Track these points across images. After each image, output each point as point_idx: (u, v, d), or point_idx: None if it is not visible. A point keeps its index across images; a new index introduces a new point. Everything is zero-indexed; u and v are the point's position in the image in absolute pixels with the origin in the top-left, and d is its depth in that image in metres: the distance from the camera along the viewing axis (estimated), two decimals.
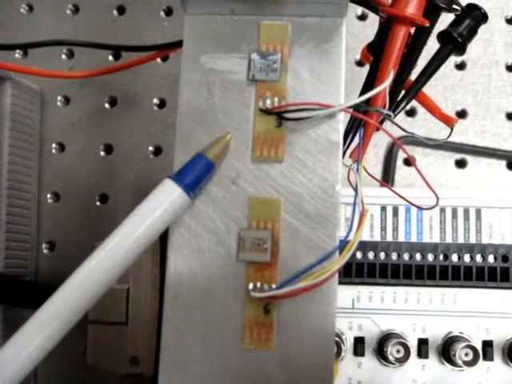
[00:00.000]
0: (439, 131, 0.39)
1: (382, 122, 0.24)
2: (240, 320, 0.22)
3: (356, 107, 0.22)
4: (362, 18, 0.41)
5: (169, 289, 0.22)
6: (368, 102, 0.23)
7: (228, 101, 0.23)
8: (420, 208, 0.24)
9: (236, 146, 0.23)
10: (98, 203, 0.40)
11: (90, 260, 0.21)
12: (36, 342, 0.20)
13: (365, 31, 0.41)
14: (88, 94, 0.42)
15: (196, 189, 0.22)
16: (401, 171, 0.39)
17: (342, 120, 0.23)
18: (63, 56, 0.42)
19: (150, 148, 0.41)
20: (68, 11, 0.43)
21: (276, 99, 0.23)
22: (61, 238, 0.40)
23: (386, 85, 0.23)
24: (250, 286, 0.22)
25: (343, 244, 0.22)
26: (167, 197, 0.21)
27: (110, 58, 0.42)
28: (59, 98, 0.42)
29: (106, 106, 0.42)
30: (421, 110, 0.40)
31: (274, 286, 0.22)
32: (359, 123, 0.24)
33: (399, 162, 0.40)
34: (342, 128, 0.23)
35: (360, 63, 0.40)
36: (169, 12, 0.43)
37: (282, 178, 0.22)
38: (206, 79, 0.23)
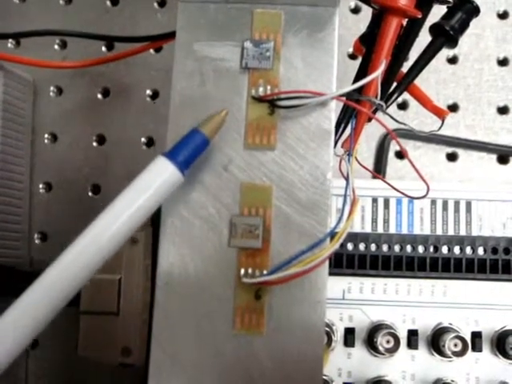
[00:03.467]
0: (431, 124, 0.39)
1: (373, 114, 0.25)
2: (231, 306, 0.22)
3: (348, 95, 0.23)
4: (355, 11, 0.42)
5: (160, 275, 0.22)
6: (360, 91, 0.24)
7: (221, 88, 0.23)
8: (411, 198, 0.25)
9: (228, 133, 0.23)
10: (90, 194, 0.40)
11: (83, 237, 0.21)
12: (24, 321, 0.20)
13: (358, 24, 0.41)
14: (81, 85, 0.42)
15: (190, 166, 0.22)
16: (392, 164, 0.40)
17: (334, 108, 0.23)
18: (56, 46, 0.42)
19: (143, 139, 0.41)
20: (61, 1, 0.43)
21: (269, 87, 0.23)
22: (53, 229, 0.40)
23: (378, 73, 0.23)
24: (242, 271, 0.22)
25: (334, 232, 0.22)
26: (160, 174, 0.21)
27: (103, 48, 0.42)
28: (52, 88, 0.42)
29: (99, 96, 0.42)
30: (412, 103, 0.40)
31: (265, 271, 0.22)
32: (351, 113, 0.24)
33: (391, 155, 0.40)
34: (333, 116, 0.23)
35: (352, 56, 0.41)
36: (162, 3, 0.42)
37: (274, 165, 0.23)
38: (199, 67, 0.23)
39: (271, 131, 0.23)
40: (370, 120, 0.25)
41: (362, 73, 0.25)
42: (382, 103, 0.24)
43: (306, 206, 0.22)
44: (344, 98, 0.23)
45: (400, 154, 0.40)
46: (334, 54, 0.23)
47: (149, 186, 0.21)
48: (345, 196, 0.22)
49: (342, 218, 0.22)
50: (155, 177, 0.21)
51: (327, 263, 0.22)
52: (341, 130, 0.25)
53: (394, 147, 0.40)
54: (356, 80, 0.25)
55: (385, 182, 0.27)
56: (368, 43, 0.25)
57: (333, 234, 0.22)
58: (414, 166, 0.24)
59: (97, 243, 0.21)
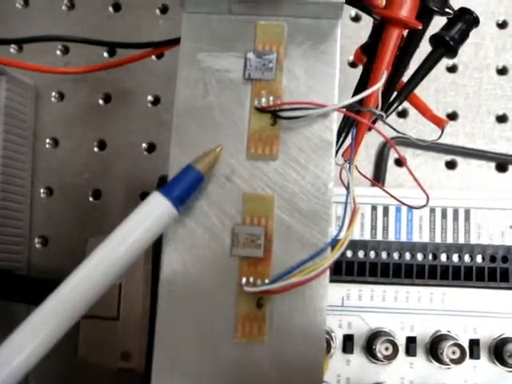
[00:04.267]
0: (430, 133, 0.40)
1: (374, 123, 0.25)
2: (233, 314, 0.22)
3: (349, 107, 0.23)
4: (356, 19, 0.42)
5: (163, 283, 0.22)
6: (361, 102, 0.24)
7: (224, 99, 0.23)
8: (411, 207, 0.25)
9: (231, 143, 0.23)
10: (91, 199, 0.41)
11: (77, 273, 0.21)
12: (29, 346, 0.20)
13: (358, 33, 0.41)
14: (82, 90, 0.42)
15: (185, 201, 0.22)
16: (391, 172, 0.40)
17: (336, 119, 0.23)
18: (58, 52, 0.42)
19: (144, 145, 0.41)
20: (64, 7, 0.43)
21: (271, 98, 0.23)
22: (53, 233, 0.40)
23: (379, 85, 0.23)
24: (243, 280, 0.22)
25: (335, 241, 0.22)
26: (155, 210, 0.21)
27: (105, 54, 0.42)
28: (53, 93, 0.42)
29: (100, 102, 0.42)
30: (412, 111, 0.40)
31: (266, 280, 0.22)
32: (352, 123, 0.24)
33: (390, 163, 0.40)
34: (335, 127, 0.23)
35: (353, 64, 0.41)
36: (164, 10, 0.43)
37: (276, 175, 0.23)
38: (202, 77, 0.23)
39: (273, 142, 0.23)
40: (370, 129, 0.25)
41: (362, 83, 0.25)
42: (383, 113, 0.24)
43: (308, 216, 0.22)
44: (345, 110, 0.23)
45: (399, 162, 0.40)
46: (336, 65, 0.23)
47: (144, 222, 0.21)
48: (345, 205, 0.23)
49: (342, 227, 0.22)
50: (150, 212, 0.22)
51: (328, 272, 0.22)
52: (341, 139, 0.25)
53: (393, 155, 0.40)
54: (357, 90, 0.25)
55: (384, 190, 0.27)
56: (369, 53, 0.25)
57: (334, 243, 0.22)
58: (412, 174, 0.24)
59: (90, 280, 0.21)
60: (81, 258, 0.33)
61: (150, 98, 0.42)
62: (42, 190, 0.41)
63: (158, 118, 0.41)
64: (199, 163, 0.22)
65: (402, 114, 0.41)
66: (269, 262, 0.22)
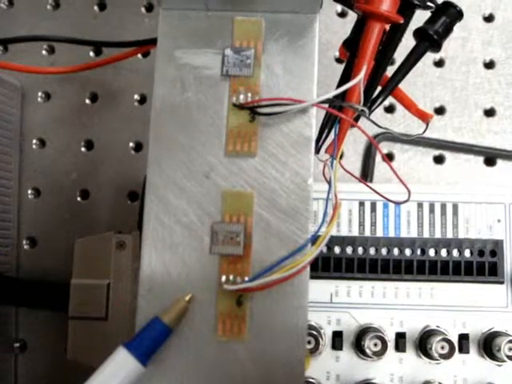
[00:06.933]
0: (418, 127, 0.40)
1: (358, 119, 0.25)
2: (213, 312, 0.22)
3: (328, 102, 0.23)
4: (342, 15, 0.42)
5: (143, 282, 0.22)
6: (343, 98, 0.24)
7: (202, 96, 0.23)
8: (391, 202, 0.25)
9: (209, 140, 0.23)
10: (78, 199, 0.40)
11: None
12: None
13: (345, 28, 0.41)
14: (69, 90, 0.42)
15: (152, 355, 0.22)
16: (380, 167, 0.40)
17: (315, 115, 0.23)
18: (44, 52, 0.42)
19: (131, 144, 0.41)
20: (49, 6, 0.43)
21: (249, 94, 0.23)
22: (41, 234, 0.40)
23: (358, 79, 0.23)
24: (223, 278, 0.22)
25: (315, 237, 0.22)
26: (121, 368, 0.21)
27: (91, 53, 0.42)
28: (40, 93, 0.42)
29: (87, 101, 0.42)
30: (400, 106, 0.40)
31: (246, 278, 0.22)
32: (334, 118, 0.24)
33: (378, 159, 0.40)
34: (314, 123, 0.23)
35: (340, 60, 0.41)
36: (150, 8, 0.43)
37: (255, 172, 0.23)
38: (180, 74, 0.23)
39: (252, 138, 0.23)
40: (353, 125, 0.25)
41: (345, 78, 0.25)
42: (365, 109, 0.24)
43: (287, 213, 0.22)
44: (326, 105, 0.23)
45: (388, 157, 0.40)
46: (314, 60, 0.23)
47: (110, 380, 0.21)
48: (327, 201, 0.22)
49: (323, 223, 0.22)
50: (116, 370, 0.21)
51: (308, 268, 0.22)
52: (324, 135, 0.25)
53: (382, 150, 0.40)
54: (339, 86, 0.25)
55: (367, 185, 0.27)
56: (351, 48, 0.25)
57: (315, 239, 0.22)
58: (394, 170, 0.24)
59: None
60: (69, 258, 0.33)
61: (136, 96, 0.41)
62: (29, 191, 0.41)
63: (144, 116, 0.41)
64: (167, 316, 0.22)
65: (390, 110, 0.41)
66: (248, 259, 0.22)
